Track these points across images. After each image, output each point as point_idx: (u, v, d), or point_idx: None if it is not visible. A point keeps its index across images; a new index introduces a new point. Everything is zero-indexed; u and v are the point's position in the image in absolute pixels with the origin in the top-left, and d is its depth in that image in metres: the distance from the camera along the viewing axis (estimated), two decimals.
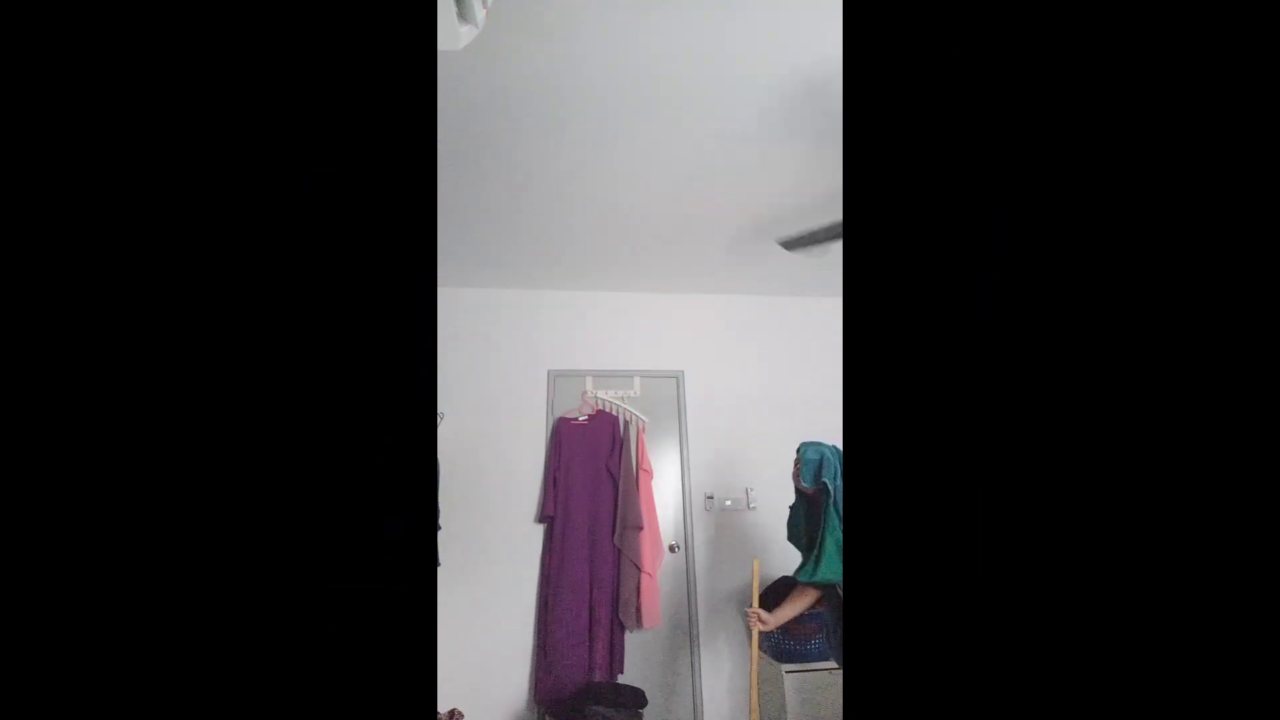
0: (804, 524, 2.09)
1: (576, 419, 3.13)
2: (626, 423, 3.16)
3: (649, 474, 3.09)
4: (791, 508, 2.17)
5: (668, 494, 3.21)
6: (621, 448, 3.08)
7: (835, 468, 2.06)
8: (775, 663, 2.72)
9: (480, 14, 1.06)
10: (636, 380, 3.32)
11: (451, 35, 1.06)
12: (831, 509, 2.01)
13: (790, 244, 2.24)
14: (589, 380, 3.28)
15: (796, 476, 2.07)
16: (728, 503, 3.24)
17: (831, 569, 1.93)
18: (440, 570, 2.72)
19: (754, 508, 3.24)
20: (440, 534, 2.75)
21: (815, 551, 1.95)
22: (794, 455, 2.13)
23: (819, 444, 2.13)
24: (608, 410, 3.19)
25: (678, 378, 3.39)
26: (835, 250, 2.59)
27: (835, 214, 2.38)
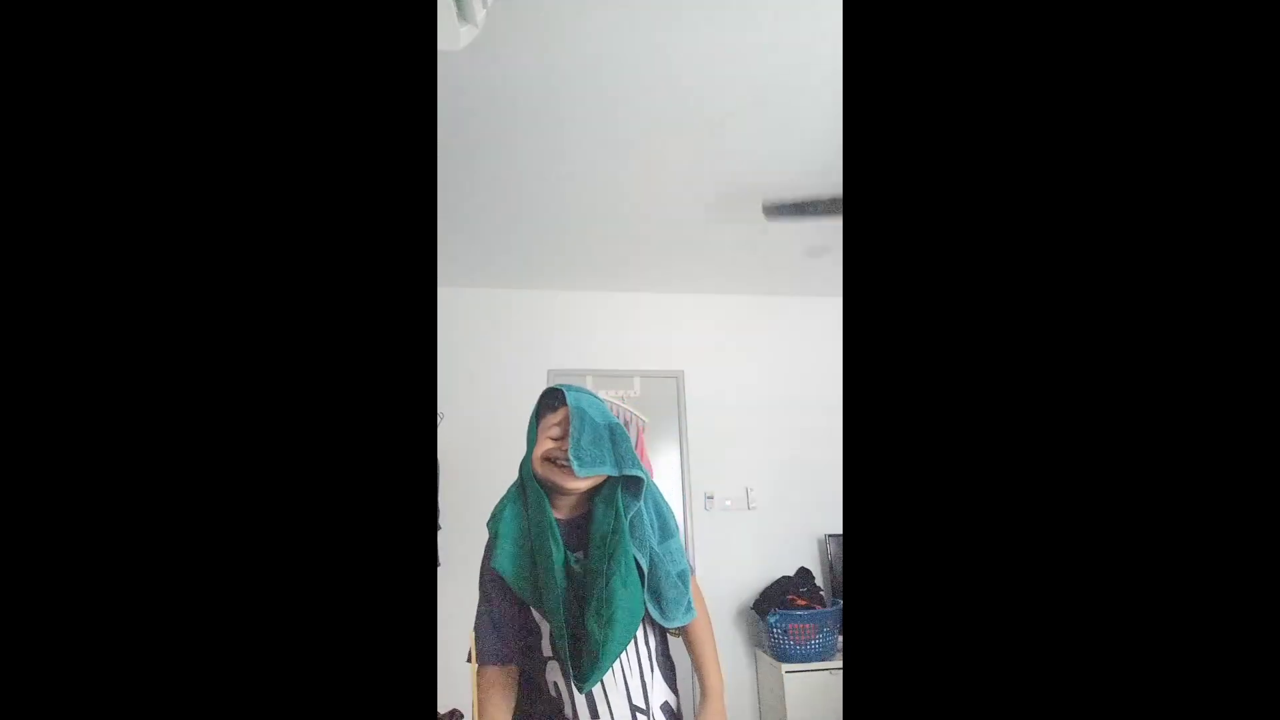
0: (558, 539, 1.03)
1: None
2: (626, 423, 3.16)
3: (649, 474, 3.08)
4: (504, 511, 1.10)
5: (668, 494, 3.20)
6: None
7: (629, 446, 1.09)
8: (775, 663, 2.72)
9: (480, 14, 1.06)
10: (636, 380, 3.32)
11: (451, 35, 1.06)
12: (647, 519, 1.10)
13: (773, 211, 2.13)
14: (589, 380, 3.28)
15: (552, 454, 1.05)
16: (728, 503, 3.24)
17: (628, 629, 0.99)
18: (440, 570, 2.71)
19: (754, 508, 3.24)
20: (440, 534, 2.74)
21: (603, 603, 0.98)
22: (537, 408, 1.12)
23: (586, 392, 1.13)
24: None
25: (678, 378, 3.39)
26: (828, 226, 2.47)
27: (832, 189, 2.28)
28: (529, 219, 2.65)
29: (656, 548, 1.10)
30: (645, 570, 1.05)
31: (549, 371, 3.27)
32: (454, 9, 1.03)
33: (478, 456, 3.04)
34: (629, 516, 1.05)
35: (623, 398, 3.22)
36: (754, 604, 2.98)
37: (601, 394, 3.15)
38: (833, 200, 2.09)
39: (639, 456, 2.93)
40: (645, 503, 1.11)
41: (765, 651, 2.89)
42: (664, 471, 3.25)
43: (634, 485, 1.08)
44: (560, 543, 1.03)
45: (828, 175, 2.29)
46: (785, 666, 2.66)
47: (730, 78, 1.83)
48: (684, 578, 1.11)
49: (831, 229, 2.78)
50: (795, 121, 2.03)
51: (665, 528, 1.15)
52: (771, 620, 2.75)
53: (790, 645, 2.70)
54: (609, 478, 1.07)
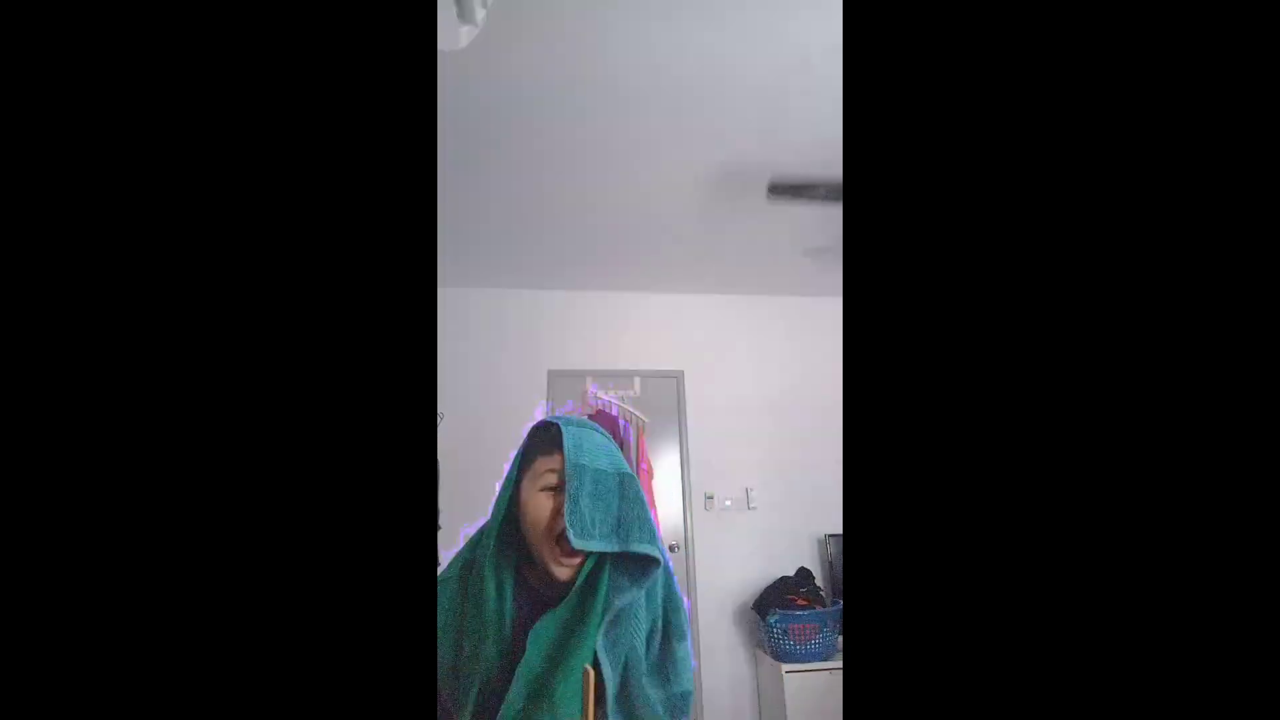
0: (571, 635, 0.72)
1: None
2: (626, 423, 3.16)
3: (649, 474, 3.08)
4: (475, 585, 0.79)
5: (668, 494, 3.21)
6: (622, 448, 3.07)
7: (645, 509, 0.76)
8: (775, 663, 2.72)
9: (480, 14, 1.06)
10: (636, 380, 3.32)
11: (451, 35, 1.06)
12: (660, 610, 0.78)
13: (779, 189, 2.13)
14: (589, 380, 3.28)
15: (549, 518, 0.73)
16: (728, 503, 3.24)
17: None
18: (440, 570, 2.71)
19: (754, 508, 3.24)
20: (440, 534, 2.75)
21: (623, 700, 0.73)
22: (523, 447, 0.81)
23: (590, 426, 0.80)
24: (608, 410, 3.19)
25: (678, 378, 3.39)
26: (831, 212, 2.45)
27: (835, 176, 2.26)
28: (529, 219, 2.65)
29: (644, 659, 0.76)
30: (610, 692, 0.71)
31: (549, 371, 3.28)
32: (454, 9, 1.03)
33: (478, 456, 3.05)
34: (617, 605, 0.73)
35: (623, 398, 3.22)
36: (754, 604, 2.98)
37: (601, 394, 3.16)
38: (836, 185, 2.08)
39: (641, 457, 2.89)
40: (651, 592, 0.78)
41: (765, 651, 2.89)
42: (664, 471, 3.25)
43: (636, 566, 0.75)
44: (509, 640, 0.73)
45: (829, 168, 2.29)
46: (785, 666, 2.66)
47: (730, 78, 1.83)
48: (683, 706, 0.77)
49: (832, 221, 2.77)
50: (795, 121, 2.03)
51: (672, 631, 0.79)
52: (771, 620, 2.75)
53: (790, 645, 2.70)
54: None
